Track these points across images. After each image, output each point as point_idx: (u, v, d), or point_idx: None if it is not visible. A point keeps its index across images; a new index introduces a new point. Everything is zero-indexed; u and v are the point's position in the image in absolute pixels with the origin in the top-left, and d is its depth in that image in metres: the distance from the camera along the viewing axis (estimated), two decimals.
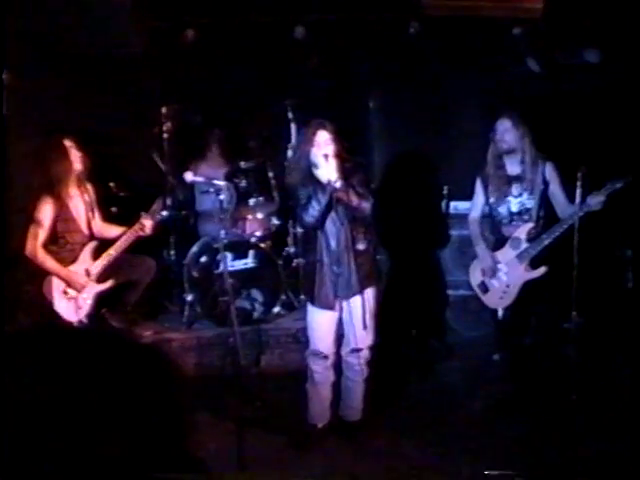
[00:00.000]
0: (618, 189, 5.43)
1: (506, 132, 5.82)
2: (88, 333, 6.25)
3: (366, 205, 5.09)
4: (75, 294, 6.25)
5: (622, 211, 5.86)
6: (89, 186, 6.46)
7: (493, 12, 6.22)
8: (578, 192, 5.39)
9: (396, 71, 7.62)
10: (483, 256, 6.02)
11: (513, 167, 5.89)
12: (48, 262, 6.15)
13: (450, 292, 7.29)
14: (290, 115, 7.26)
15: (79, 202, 6.37)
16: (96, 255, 6.35)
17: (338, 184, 4.93)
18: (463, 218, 6.98)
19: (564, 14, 6.39)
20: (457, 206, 7.33)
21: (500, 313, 5.95)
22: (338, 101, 7.59)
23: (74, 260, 6.30)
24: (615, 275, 6.96)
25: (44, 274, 6.17)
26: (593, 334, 6.42)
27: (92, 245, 6.37)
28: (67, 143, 6.22)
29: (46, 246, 6.17)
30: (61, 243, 6.26)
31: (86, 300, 6.30)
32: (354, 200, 5.02)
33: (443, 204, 7.47)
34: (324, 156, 4.97)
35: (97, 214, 6.51)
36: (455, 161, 7.65)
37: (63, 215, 6.23)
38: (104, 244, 6.43)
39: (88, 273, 6.29)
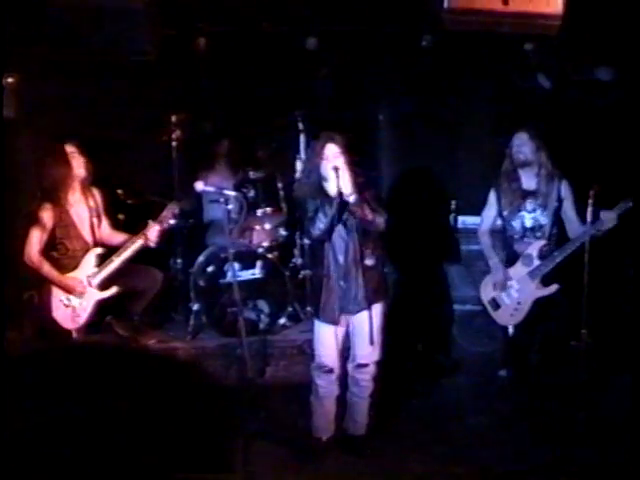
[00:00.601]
0: (630, 208, 5.41)
1: (523, 145, 5.82)
2: (90, 342, 6.29)
3: (380, 220, 5.07)
4: (74, 301, 6.22)
5: (633, 231, 5.83)
6: (95, 192, 6.43)
7: (513, 28, 6.20)
8: (589, 210, 5.37)
9: (407, 84, 7.61)
10: (495, 269, 6.01)
11: (529, 181, 5.88)
12: (45, 268, 6.12)
13: (457, 307, 7.25)
14: (300, 126, 7.24)
15: (82, 208, 6.34)
16: (99, 262, 6.32)
17: (352, 198, 4.92)
18: (471, 233, 6.98)
19: (580, 31, 6.37)
20: (465, 221, 7.30)
21: (511, 330, 5.92)
22: (348, 113, 7.57)
23: (76, 267, 6.27)
24: (624, 294, 6.93)
25: (43, 280, 6.15)
26: (602, 353, 6.39)
27: (95, 252, 6.34)
28: (69, 149, 6.19)
29: (45, 252, 6.15)
30: (61, 249, 6.23)
31: (85, 308, 6.27)
32: (369, 215, 5.00)
33: (451, 219, 7.45)
34: (334, 169, 4.94)
35: (104, 220, 6.49)
36: (463, 176, 7.66)
37: (63, 221, 6.20)
38: (108, 251, 6.40)
39: (89, 281, 6.26)
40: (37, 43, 6.11)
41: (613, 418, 5.78)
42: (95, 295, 6.31)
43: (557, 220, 5.82)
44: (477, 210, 6.85)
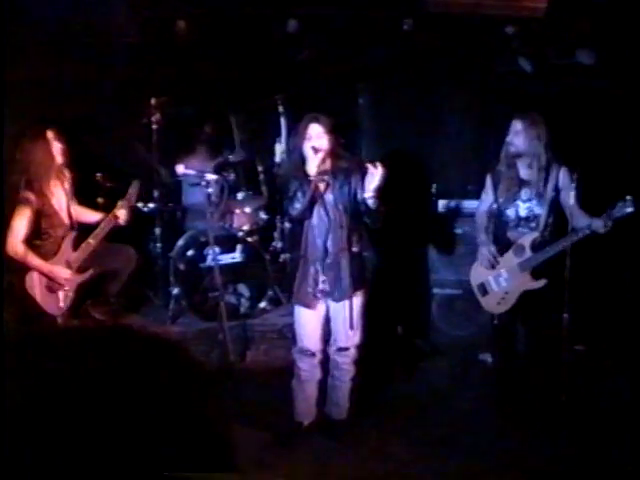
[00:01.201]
0: (627, 214, 5.34)
1: (516, 136, 5.68)
2: (72, 326, 6.24)
3: (383, 209, 5.08)
4: (58, 287, 6.18)
5: (627, 230, 5.79)
6: (67, 174, 6.36)
7: (496, 10, 6.18)
8: (572, 194, 5.34)
9: (388, 67, 7.57)
10: (483, 247, 5.93)
11: (524, 170, 5.79)
12: (29, 258, 6.05)
13: (436, 291, 7.23)
14: (280, 109, 7.21)
15: (60, 192, 6.28)
16: (76, 245, 6.27)
17: (371, 202, 4.95)
18: (451, 217, 6.97)
19: (561, 14, 6.36)
20: (445, 204, 7.28)
21: (495, 318, 5.91)
22: (328, 96, 7.54)
23: (56, 252, 6.22)
24: (613, 291, 6.94)
25: (26, 268, 6.09)
26: (586, 337, 6.44)
27: (72, 235, 6.28)
28: (49, 135, 6.11)
29: (29, 241, 6.08)
30: (44, 237, 6.18)
31: (68, 293, 6.22)
32: (382, 209, 5.02)
33: (431, 202, 7.43)
34: (312, 148, 4.94)
35: (74, 199, 6.42)
36: (445, 159, 7.63)
37: (46, 211, 6.13)
38: (84, 234, 6.35)
39: (69, 264, 6.21)
40: (17, 25, 6.03)
41: (596, 404, 5.83)
42: (77, 278, 6.26)
43: (553, 210, 5.72)
44: (458, 194, 6.87)
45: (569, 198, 5.63)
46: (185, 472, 1.48)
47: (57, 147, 6.14)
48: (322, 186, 4.99)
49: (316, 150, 4.94)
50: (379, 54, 7.49)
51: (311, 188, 4.95)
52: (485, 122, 7.41)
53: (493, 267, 5.86)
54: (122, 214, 6.21)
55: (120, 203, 6.25)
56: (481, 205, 6.09)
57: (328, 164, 4.97)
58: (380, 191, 4.98)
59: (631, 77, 6.76)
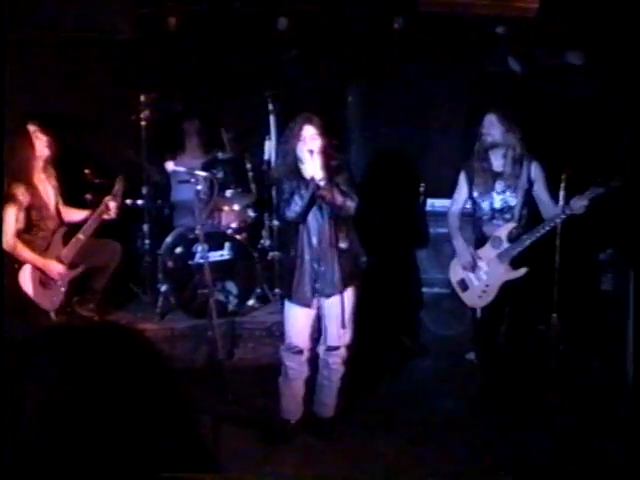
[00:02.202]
0: (601, 194, 5.43)
1: (492, 126, 5.80)
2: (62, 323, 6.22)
3: (351, 204, 5.06)
4: (51, 282, 6.17)
5: (604, 214, 5.85)
6: (52, 171, 6.34)
7: (488, 10, 6.19)
8: (562, 194, 5.37)
9: (378, 66, 7.58)
10: (461, 251, 6.00)
11: (498, 162, 5.87)
12: (24, 252, 6.05)
13: (424, 290, 7.25)
14: (270, 107, 7.20)
15: (48, 187, 6.27)
16: (66, 241, 6.26)
17: (322, 182, 4.91)
18: (440, 216, 6.99)
19: (551, 15, 6.38)
20: (434, 203, 7.29)
21: (478, 312, 5.94)
22: (317, 95, 7.55)
23: (47, 248, 6.21)
24: (594, 278, 6.98)
25: (20, 263, 6.07)
26: (570, 336, 6.44)
27: (62, 231, 6.28)
28: (31, 128, 6.10)
29: (20, 235, 6.07)
30: (34, 231, 6.16)
31: (60, 288, 6.22)
32: (338, 199, 4.99)
33: (420, 201, 7.44)
34: (309, 151, 4.94)
35: (61, 197, 6.42)
36: (433, 158, 7.64)
37: (37, 203, 6.12)
38: (73, 230, 6.34)
39: (60, 260, 6.21)
40: (6, 19, 6.01)
41: (581, 401, 5.85)
42: (69, 274, 6.26)
43: (527, 202, 5.80)
44: (446, 193, 6.86)
45: (542, 190, 5.73)
46: (173, 472, 1.48)
47: (42, 139, 6.12)
48: (326, 192, 4.97)
49: (312, 152, 4.94)
50: (369, 52, 7.50)
51: (310, 192, 4.95)
52: (474, 121, 7.41)
53: (473, 269, 5.91)
54: (113, 207, 6.21)
55: (107, 198, 6.24)
56: (453, 205, 6.14)
57: (321, 166, 4.96)
58: (328, 171, 4.96)
59: (619, 78, 6.79)
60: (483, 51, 7.34)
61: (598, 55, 6.88)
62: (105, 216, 6.24)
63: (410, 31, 7.15)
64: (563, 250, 5.33)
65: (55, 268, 6.16)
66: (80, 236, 6.23)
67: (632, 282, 5.96)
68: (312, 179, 4.91)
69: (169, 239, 6.92)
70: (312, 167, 4.91)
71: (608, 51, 6.75)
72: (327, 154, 5.00)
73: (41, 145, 6.13)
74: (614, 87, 6.87)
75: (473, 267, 5.93)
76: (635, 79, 5.92)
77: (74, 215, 6.42)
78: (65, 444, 1.41)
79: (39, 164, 6.16)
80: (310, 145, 4.95)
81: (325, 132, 5.06)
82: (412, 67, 7.50)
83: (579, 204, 5.42)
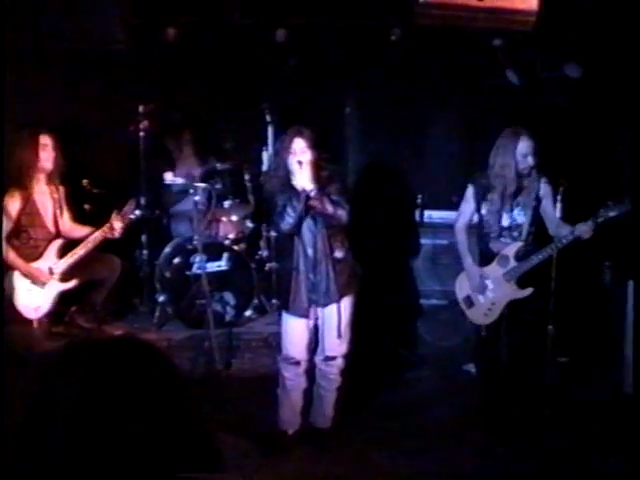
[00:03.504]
0: (610, 218, 5.36)
1: (529, 151, 5.57)
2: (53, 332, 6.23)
3: (342, 213, 5.07)
4: (36, 291, 6.16)
5: (611, 236, 5.81)
6: (60, 186, 6.36)
7: (487, 24, 6.21)
8: (558, 206, 5.33)
9: (375, 78, 7.60)
10: (470, 273, 5.86)
11: (512, 183, 5.73)
12: (11, 256, 6.05)
13: (422, 301, 7.24)
14: (268, 118, 7.22)
15: (47, 199, 6.28)
16: (61, 253, 6.26)
17: (312, 192, 4.94)
18: (437, 227, 7.00)
19: (549, 28, 6.40)
20: (431, 215, 7.29)
21: (483, 329, 5.88)
22: (315, 106, 7.56)
23: (38, 257, 6.22)
24: (594, 290, 6.98)
25: (5, 268, 6.06)
26: (568, 348, 6.46)
27: (58, 243, 6.28)
28: (43, 140, 6.12)
29: (9, 239, 6.07)
30: (23, 237, 6.17)
31: (47, 298, 6.22)
32: (329, 208, 5.01)
33: (417, 213, 7.45)
34: (298, 163, 4.96)
35: (66, 213, 6.43)
36: (430, 170, 7.65)
37: (28, 209, 6.14)
38: (71, 243, 6.35)
39: (51, 271, 6.20)
40: (5, 30, 6.02)
41: (578, 414, 5.86)
42: (57, 286, 6.26)
43: (535, 220, 5.71)
44: (444, 204, 6.88)
45: (550, 207, 5.66)
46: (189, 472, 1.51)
47: (49, 154, 6.13)
48: (316, 203, 4.99)
49: (300, 163, 4.96)
50: (367, 64, 7.52)
51: (302, 204, 4.97)
52: (472, 133, 7.44)
53: (483, 290, 5.81)
54: (118, 227, 6.18)
55: (114, 217, 6.22)
56: (460, 217, 5.97)
57: (311, 177, 4.97)
58: (318, 181, 4.98)
59: (616, 91, 6.82)
60: (481, 63, 7.35)
61: (596, 68, 6.91)
62: (109, 235, 6.22)
63: (408, 43, 7.16)
64: (560, 263, 5.31)
65: (40, 276, 6.15)
66: (79, 251, 6.24)
67: (631, 295, 5.98)
68: (303, 190, 4.94)
69: (167, 249, 6.93)
70: (302, 178, 4.95)
71: (606, 64, 6.78)
72: (317, 165, 5.02)
73: (46, 158, 6.13)
74: (612, 99, 6.89)
75: (482, 289, 5.83)
76: (634, 90, 5.94)
77: (77, 231, 6.42)
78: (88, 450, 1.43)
79: (41, 175, 6.17)
80: (300, 157, 4.98)
81: (316, 145, 5.07)
82: (409, 79, 7.52)
83: (586, 228, 5.36)
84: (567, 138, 6.97)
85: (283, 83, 7.61)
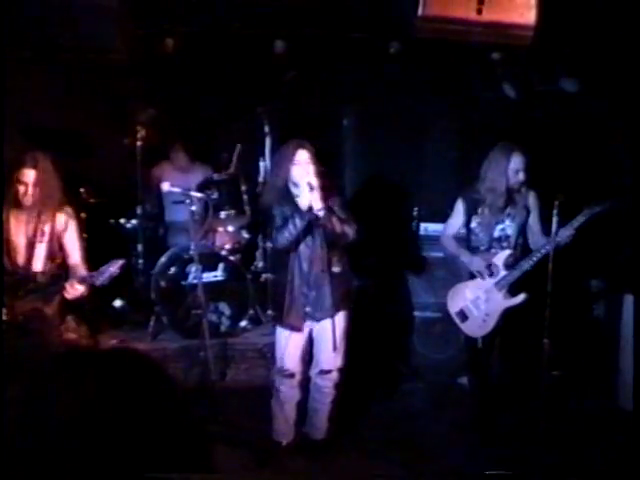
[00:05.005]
0: (586, 222, 5.38)
1: (521, 168, 5.62)
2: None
3: (349, 231, 5.07)
4: None
5: (599, 241, 5.85)
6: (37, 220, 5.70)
7: (485, 38, 6.23)
8: (555, 220, 5.33)
9: (373, 90, 7.62)
10: (471, 261, 5.79)
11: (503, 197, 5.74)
12: None
13: (417, 314, 7.23)
14: (265, 129, 7.23)
15: (21, 229, 5.41)
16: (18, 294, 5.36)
17: (321, 212, 4.90)
18: (433, 240, 6.98)
19: (546, 42, 6.42)
20: (427, 228, 7.30)
21: (479, 342, 5.84)
22: (312, 117, 7.58)
23: None
24: (588, 305, 6.99)
25: None
26: (563, 362, 6.47)
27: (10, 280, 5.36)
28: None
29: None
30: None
31: None
32: (338, 227, 5.00)
33: (413, 225, 7.46)
34: (308, 184, 4.90)
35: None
36: (427, 182, 7.67)
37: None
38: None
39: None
40: (3, 39, 6.03)
41: (573, 428, 5.86)
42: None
43: (523, 230, 5.75)
44: (440, 217, 6.88)
45: (535, 220, 5.72)
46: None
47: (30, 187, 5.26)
48: (326, 222, 4.98)
49: (312, 187, 4.92)
50: (365, 76, 7.54)
51: (305, 222, 4.95)
52: (469, 146, 7.45)
53: (492, 275, 5.75)
54: (74, 291, 5.19)
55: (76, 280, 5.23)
56: (447, 229, 5.96)
57: (321, 198, 4.93)
58: (325, 200, 4.96)
59: (612, 105, 6.85)
60: (478, 77, 7.37)
61: (592, 82, 6.94)
62: (66, 294, 5.26)
63: (406, 55, 7.18)
64: (556, 275, 5.31)
65: None
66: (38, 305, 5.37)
67: (625, 309, 5.99)
68: (309, 210, 4.92)
69: (163, 259, 6.92)
70: (311, 199, 4.90)
71: (602, 78, 6.81)
72: (323, 184, 4.99)
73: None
74: (609, 113, 6.93)
75: (490, 271, 5.76)
76: (631, 104, 5.96)
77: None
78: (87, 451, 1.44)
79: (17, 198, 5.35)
80: (307, 172, 4.95)
81: (316, 159, 5.07)
82: (407, 91, 7.54)
83: (565, 234, 5.38)
84: (563, 152, 6.99)
85: (281, 94, 7.63)
